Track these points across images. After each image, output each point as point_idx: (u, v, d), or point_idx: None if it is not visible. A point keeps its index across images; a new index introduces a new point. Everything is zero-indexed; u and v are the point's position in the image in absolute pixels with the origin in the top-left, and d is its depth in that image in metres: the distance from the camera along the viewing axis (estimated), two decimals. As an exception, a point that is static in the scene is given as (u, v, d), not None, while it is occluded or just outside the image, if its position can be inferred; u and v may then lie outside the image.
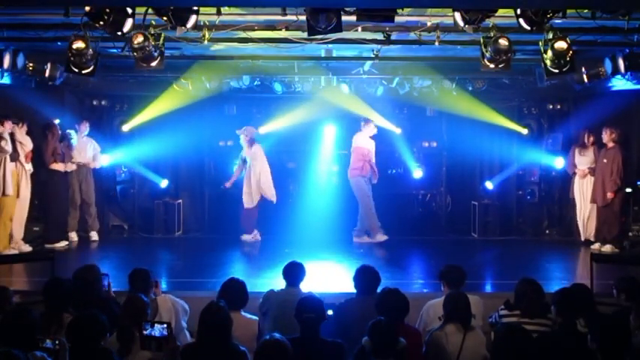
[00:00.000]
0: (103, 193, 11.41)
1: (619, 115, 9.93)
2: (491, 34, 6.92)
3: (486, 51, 7.02)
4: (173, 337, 4.17)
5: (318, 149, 11.64)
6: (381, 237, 10.34)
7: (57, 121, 10.09)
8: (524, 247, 10.55)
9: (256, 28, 7.45)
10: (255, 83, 10.80)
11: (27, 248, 9.32)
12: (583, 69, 8.82)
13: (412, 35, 7.53)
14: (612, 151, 9.72)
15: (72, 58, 6.99)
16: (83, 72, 7.17)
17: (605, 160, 9.74)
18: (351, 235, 10.48)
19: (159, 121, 10.85)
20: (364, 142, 10.51)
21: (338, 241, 10.20)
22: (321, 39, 7.32)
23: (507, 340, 3.86)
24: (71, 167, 10.20)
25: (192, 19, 6.26)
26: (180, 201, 11.54)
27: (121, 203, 11.70)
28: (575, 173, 10.29)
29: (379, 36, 7.75)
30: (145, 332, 4.12)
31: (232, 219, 10.90)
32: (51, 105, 9.98)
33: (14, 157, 9.15)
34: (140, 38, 6.73)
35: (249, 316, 5.13)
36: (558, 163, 11.03)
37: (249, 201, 10.55)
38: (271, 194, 10.55)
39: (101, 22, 6.21)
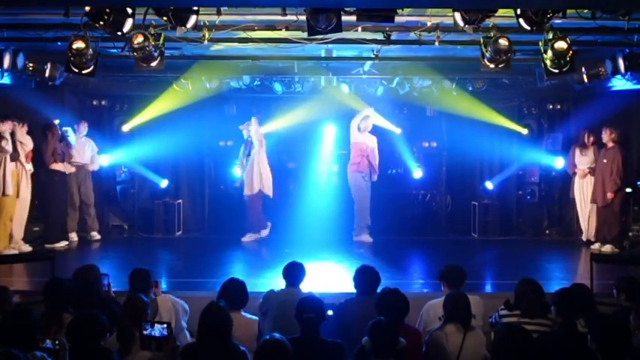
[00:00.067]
0: (103, 193, 11.42)
1: (619, 115, 9.93)
2: (491, 34, 6.92)
3: (486, 51, 7.02)
4: (173, 337, 4.17)
5: (318, 149, 11.63)
6: (366, 238, 10.34)
7: (57, 122, 10.09)
8: (524, 247, 10.54)
9: (256, 28, 7.45)
10: (255, 83, 10.80)
11: (27, 248, 9.32)
12: (583, 69, 8.83)
13: (412, 35, 7.53)
14: (612, 151, 9.72)
15: (72, 58, 6.99)
16: (83, 72, 7.17)
17: (605, 160, 9.74)
18: (352, 235, 10.48)
19: (159, 121, 10.84)
20: (363, 137, 10.48)
21: (338, 241, 10.19)
22: (321, 39, 7.33)
23: (507, 340, 3.86)
24: (70, 169, 10.20)
25: (192, 19, 6.27)
26: (180, 201, 11.53)
27: (121, 203, 11.69)
28: (575, 173, 10.29)
29: (379, 36, 7.75)
30: (145, 332, 4.13)
31: (232, 219, 10.90)
32: (51, 105, 9.97)
33: (14, 156, 9.16)
34: (140, 38, 6.73)
35: (249, 316, 5.14)
36: (558, 163, 11.02)
37: (249, 189, 10.41)
38: (268, 186, 10.45)
39: (101, 22, 6.22)
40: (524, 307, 5.07)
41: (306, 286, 5.63)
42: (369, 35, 7.80)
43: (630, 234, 9.77)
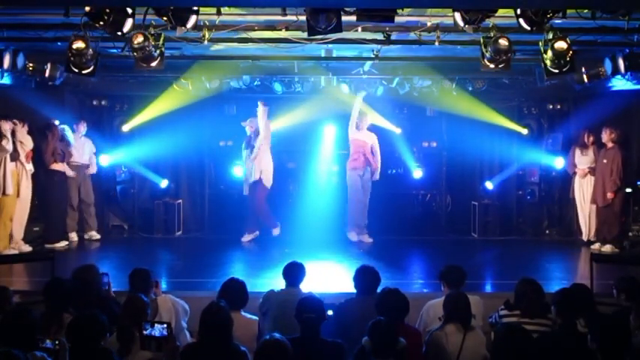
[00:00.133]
0: (103, 193, 11.42)
1: (619, 115, 9.93)
2: (491, 34, 6.91)
3: (486, 51, 7.02)
4: (173, 337, 4.17)
5: (318, 149, 11.63)
6: (354, 236, 10.33)
7: (57, 122, 10.09)
8: (524, 247, 10.54)
9: (256, 28, 7.45)
10: (255, 83, 10.80)
11: (27, 248, 9.32)
12: (583, 69, 8.82)
13: (412, 35, 7.53)
14: (612, 151, 9.72)
15: (72, 58, 6.99)
16: (83, 72, 7.17)
17: (605, 160, 9.75)
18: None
19: (159, 121, 10.84)
20: (361, 134, 10.45)
21: (338, 241, 10.19)
22: (321, 39, 7.32)
23: (507, 340, 3.86)
24: (71, 173, 10.19)
25: (192, 19, 6.26)
26: (180, 201, 11.52)
27: (121, 203, 11.69)
28: (575, 173, 10.29)
29: (379, 36, 7.74)
30: (144, 332, 4.13)
31: (232, 219, 10.91)
32: (51, 105, 9.96)
33: (14, 156, 9.16)
34: (140, 38, 6.72)
35: (249, 316, 5.14)
36: (558, 163, 11.02)
37: (249, 178, 10.34)
38: (267, 177, 10.36)
39: (101, 22, 6.21)
40: (524, 307, 5.07)
41: (306, 286, 5.63)
42: (369, 35, 7.80)
43: (630, 234, 9.77)
